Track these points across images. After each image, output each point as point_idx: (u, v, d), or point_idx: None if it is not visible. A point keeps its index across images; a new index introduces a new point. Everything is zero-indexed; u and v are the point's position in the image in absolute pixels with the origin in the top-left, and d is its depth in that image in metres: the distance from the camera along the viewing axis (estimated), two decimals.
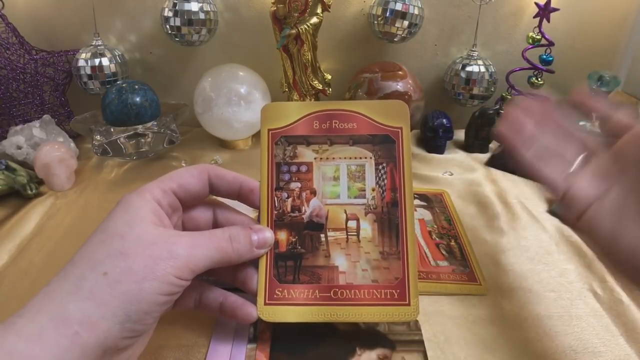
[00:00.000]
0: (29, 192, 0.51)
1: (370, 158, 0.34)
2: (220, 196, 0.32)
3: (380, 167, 0.34)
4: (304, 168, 0.34)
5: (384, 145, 0.34)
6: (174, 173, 0.30)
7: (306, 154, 0.34)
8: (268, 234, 0.31)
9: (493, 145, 0.66)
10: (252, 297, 0.31)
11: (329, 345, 0.32)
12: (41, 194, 0.53)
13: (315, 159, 0.34)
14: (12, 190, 0.52)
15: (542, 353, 0.32)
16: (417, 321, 0.34)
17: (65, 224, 0.47)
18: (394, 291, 0.31)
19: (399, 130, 0.34)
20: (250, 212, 0.34)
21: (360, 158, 0.34)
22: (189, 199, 0.31)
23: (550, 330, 0.34)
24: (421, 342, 0.33)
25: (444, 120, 0.64)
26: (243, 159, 0.62)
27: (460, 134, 0.68)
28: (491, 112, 0.63)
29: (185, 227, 0.32)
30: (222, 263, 0.28)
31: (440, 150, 0.64)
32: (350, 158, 0.34)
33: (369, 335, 0.33)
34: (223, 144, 0.66)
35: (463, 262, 0.41)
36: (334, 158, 0.34)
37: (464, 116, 0.67)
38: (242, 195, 0.32)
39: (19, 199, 0.52)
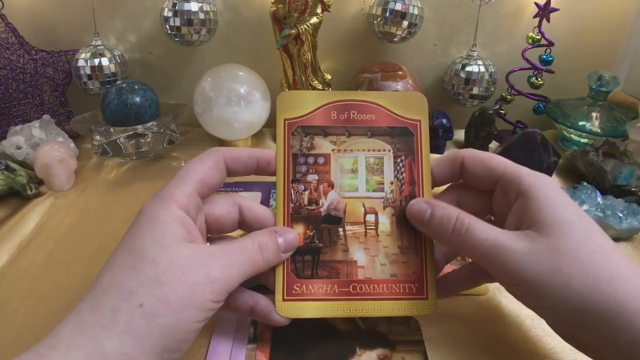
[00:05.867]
0: (29, 192, 0.51)
1: (389, 151, 0.33)
2: (238, 176, 0.31)
3: (398, 160, 0.33)
4: (321, 160, 0.33)
5: (402, 137, 0.33)
6: (191, 169, 0.29)
7: (324, 145, 0.33)
8: (292, 236, 0.31)
9: (493, 145, 0.66)
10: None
11: (329, 345, 0.32)
12: (41, 194, 0.53)
13: (333, 150, 0.33)
14: (11, 191, 0.52)
15: (542, 352, 0.32)
16: (417, 321, 0.34)
17: (65, 224, 0.47)
18: (412, 285, 0.31)
19: (418, 123, 0.34)
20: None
21: (379, 150, 0.33)
22: (209, 192, 0.30)
23: (551, 329, 0.34)
24: (421, 342, 0.33)
25: (444, 120, 0.64)
26: None
27: (460, 134, 0.68)
28: (491, 112, 0.63)
29: (209, 228, 0.31)
30: (253, 274, 0.28)
31: (440, 150, 0.64)
32: (369, 150, 0.33)
33: (369, 335, 0.33)
34: (223, 144, 0.65)
35: (463, 261, 0.41)
36: (352, 150, 0.33)
37: (463, 116, 0.67)
38: (260, 169, 0.31)
39: (18, 199, 0.52)
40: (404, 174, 0.33)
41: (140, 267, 0.23)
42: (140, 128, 0.55)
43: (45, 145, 0.54)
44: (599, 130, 0.63)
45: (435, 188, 0.34)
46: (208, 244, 0.31)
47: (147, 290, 0.23)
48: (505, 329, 0.34)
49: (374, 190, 0.33)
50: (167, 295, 0.23)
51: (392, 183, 0.33)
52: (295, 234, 0.31)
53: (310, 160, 0.33)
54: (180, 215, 0.26)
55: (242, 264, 0.27)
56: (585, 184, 0.50)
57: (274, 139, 0.68)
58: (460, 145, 0.67)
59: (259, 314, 0.30)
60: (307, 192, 0.32)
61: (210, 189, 0.30)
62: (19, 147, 0.57)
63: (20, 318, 0.35)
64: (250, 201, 0.32)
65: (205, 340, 0.33)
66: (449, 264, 0.41)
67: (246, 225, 0.32)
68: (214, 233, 0.32)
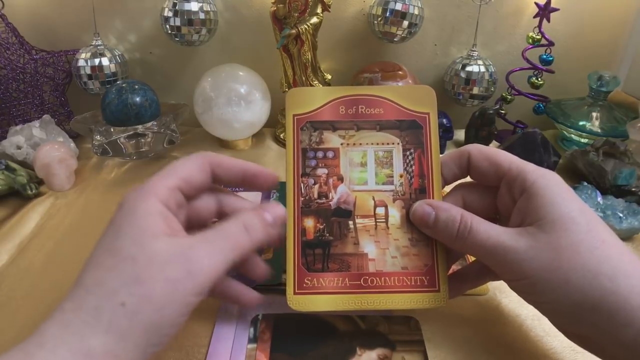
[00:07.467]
0: (29, 192, 0.51)
1: (398, 144, 0.34)
2: (224, 184, 0.32)
3: (407, 153, 0.33)
4: (330, 154, 0.33)
5: (411, 130, 0.34)
6: (177, 166, 0.29)
7: (332, 139, 0.34)
8: (279, 209, 0.30)
9: (493, 145, 0.66)
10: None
11: (329, 345, 0.32)
12: (41, 194, 0.53)
13: (342, 144, 0.34)
14: (12, 190, 0.52)
15: (543, 352, 0.32)
16: (417, 321, 0.34)
17: (65, 224, 0.47)
18: (423, 278, 0.31)
19: (427, 116, 0.34)
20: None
21: (388, 144, 0.34)
22: (193, 192, 0.30)
23: (551, 329, 0.34)
24: (421, 342, 0.33)
25: (444, 120, 0.64)
26: (243, 159, 0.62)
27: (460, 134, 0.68)
28: (491, 112, 0.63)
29: (189, 222, 0.31)
30: (241, 258, 0.27)
31: (440, 150, 0.64)
32: (378, 144, 0.34)
33: (369, 335, 0.33)
34: (223, 144, 0.65)
35: (463, 262, 0.41)
36: (360, 144, 0.34)
37: (463, 116, 0.68)
38: (246, 181, 0.31)
39: (19, 199, 0.52)
40: (413, 167, 0.33)
41: (121, 267, 0.24)
42: (140, 128, 0.55)
43: (45, 145, 0.54)
44: (599, 130, 0.63)
45: (445, 187, 0.34)
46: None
47: (128, 289, 0.23)
48: (505, 329, 0.34)
49: (383, 184, 0.33)
50: (148, 293, 0.23)
51: (401, 176, 0.33)
52: (281, 207, 0.30)
53: (320, 154, 0.33)
54: (159, 208, 0.26)
55: (224, 251, 0.26)
56: (585, 184, 0.50)
57: (274, 139, 0.68)
58: (460, 145, 0.67)
59: (231, 296, 0.31)
60: (316, 186, 0.33)
61: (194, 188, 0.29)
62: (19, 147, 0.57)
63: (21, 318, 0.35)
64: (234, 194, 0.32)
65: (206, 340, 0.33)
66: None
67: (225, 216, 0.31)
68: (194, 225, 0.31)
